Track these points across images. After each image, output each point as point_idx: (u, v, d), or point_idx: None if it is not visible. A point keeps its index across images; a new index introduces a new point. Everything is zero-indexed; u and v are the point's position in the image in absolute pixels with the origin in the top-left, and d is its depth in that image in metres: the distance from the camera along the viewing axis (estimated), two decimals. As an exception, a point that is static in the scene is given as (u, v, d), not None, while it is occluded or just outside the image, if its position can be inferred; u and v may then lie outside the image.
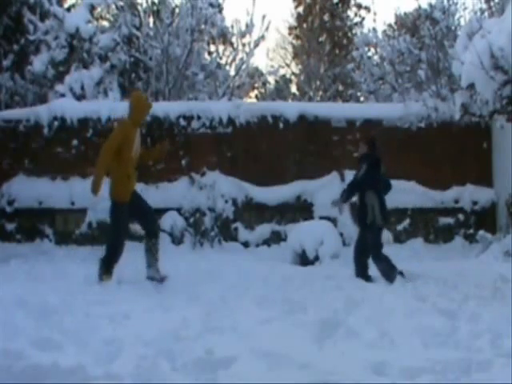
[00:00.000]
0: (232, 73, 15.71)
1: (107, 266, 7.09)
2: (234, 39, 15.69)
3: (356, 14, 28.43)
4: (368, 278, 7.60)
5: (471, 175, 11.94)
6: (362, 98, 20.00)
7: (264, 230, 11.68)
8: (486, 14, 13.51)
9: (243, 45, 15.38)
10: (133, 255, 9.80)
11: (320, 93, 24.47)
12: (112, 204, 7.21)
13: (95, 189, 6.96)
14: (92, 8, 14.32)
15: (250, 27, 15.09)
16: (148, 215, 7.35)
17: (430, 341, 4.42)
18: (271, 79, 25.42)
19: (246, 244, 11.54)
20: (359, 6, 28.32)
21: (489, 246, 9.85)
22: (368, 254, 7.71)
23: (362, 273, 7.66)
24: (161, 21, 14.95)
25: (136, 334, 4.49)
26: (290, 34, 28.79)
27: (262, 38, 15.17)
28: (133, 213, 7.26)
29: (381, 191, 7.80)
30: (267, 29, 15.10)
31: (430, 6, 15.15)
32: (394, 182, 11.58)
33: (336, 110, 12.36)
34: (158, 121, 11.65)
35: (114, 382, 3.48)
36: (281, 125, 11.90)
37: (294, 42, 28.40)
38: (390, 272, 7.45)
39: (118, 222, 7.20)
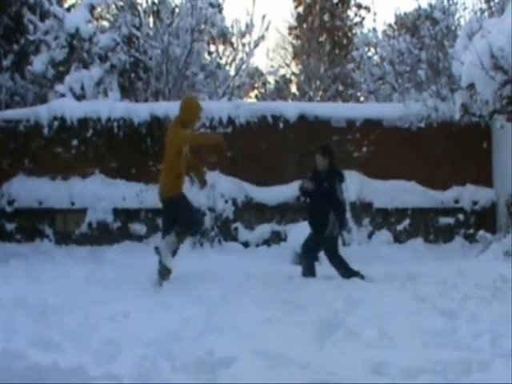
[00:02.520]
0: (232, 73, 15.69)
1: (180, 237, 7.28)
2: (234, 39, 15.67)
3: (356, 14, 28.50)
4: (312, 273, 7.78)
5: (471, 175, 11.92)
6: (362, 98, 20.01)
7: (264, 229, 11.66)
8: (486, 13, 13.50)
9: (243, 45, 15.35)
10: (133, 255, 9.84)
11: (320, 93, 24.47)
12: (169, 202, 7.43)
13: (217, 140, 8.13)
14: (92, 8, 14.31)
15: (249, 27, 15.06)
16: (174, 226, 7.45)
17: (430, 341, 4.42)
18: (271, 79, 25.40)
19: (246, 244, 11.53)
20: (359, 6, 28.37)
21: (489, 246, 9.84)
22: (315, 256, 8.14)
23: (308, 271, 7.82)
24: (161, 21, 14.94)
25: (136, 333, 4.50)
26: (290, 34, 28.81)
27: (262, 38, 15.14)
28: (169, 217, 7.44)
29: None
30: (267, 29, 15.07)
31: (430, 6, 15.14)
32: (394, 182, 11.63)
33: (336, 110, 12.34)
34: (157, 121, 11.64)
35: (114, 382, 3.48)
36: (281, 125, 11.88)
37: (294, 42, 28.42)
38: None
39: (186, 209, 7.44)
